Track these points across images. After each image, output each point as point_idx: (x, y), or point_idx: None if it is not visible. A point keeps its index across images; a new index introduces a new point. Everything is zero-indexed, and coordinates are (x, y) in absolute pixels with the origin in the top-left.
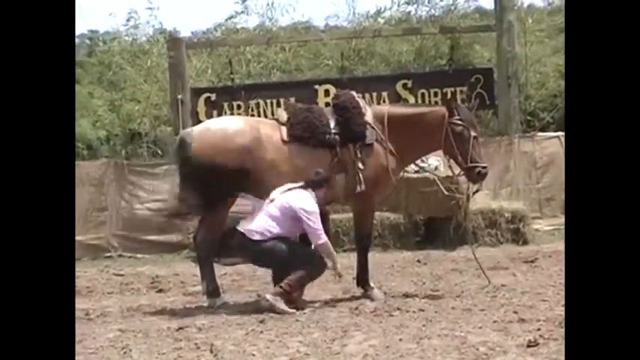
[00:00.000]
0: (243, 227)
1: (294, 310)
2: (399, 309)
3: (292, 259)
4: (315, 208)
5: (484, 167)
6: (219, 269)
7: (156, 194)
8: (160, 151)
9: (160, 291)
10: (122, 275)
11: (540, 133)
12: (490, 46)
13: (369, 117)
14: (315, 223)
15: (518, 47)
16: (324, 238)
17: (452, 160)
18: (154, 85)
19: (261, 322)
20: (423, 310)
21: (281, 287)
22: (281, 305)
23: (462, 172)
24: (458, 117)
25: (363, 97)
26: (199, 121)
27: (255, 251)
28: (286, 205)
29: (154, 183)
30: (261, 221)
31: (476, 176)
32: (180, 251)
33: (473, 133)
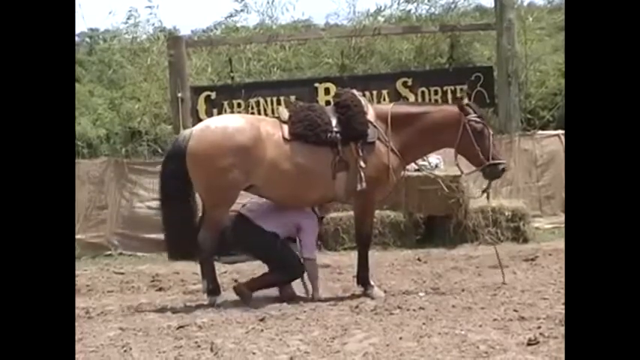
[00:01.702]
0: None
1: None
2: (399, 307)
3: (277, 260)
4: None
5: (504, 163)
6: (219, 267)
7: (156, 192)
8: (160, 149)
9: (160, 289)
10: (122, 273)
11: (540, 132)
12: (490, 45)
13: (370, 115)
14: (313, 237)
15: (519, 45)
16: (314, 255)
17: (457, 159)
18: (154, 83)
19: (262, 320)
20: (423, 309)
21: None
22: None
23: (476, 170)
24: (475, 114)
25: (363, 96)
26: (199, 120)
27: (253, 240)
28: (297, 211)
29: (154, 181)
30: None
31: (500, 172)
32: None
33: (491, 130)
